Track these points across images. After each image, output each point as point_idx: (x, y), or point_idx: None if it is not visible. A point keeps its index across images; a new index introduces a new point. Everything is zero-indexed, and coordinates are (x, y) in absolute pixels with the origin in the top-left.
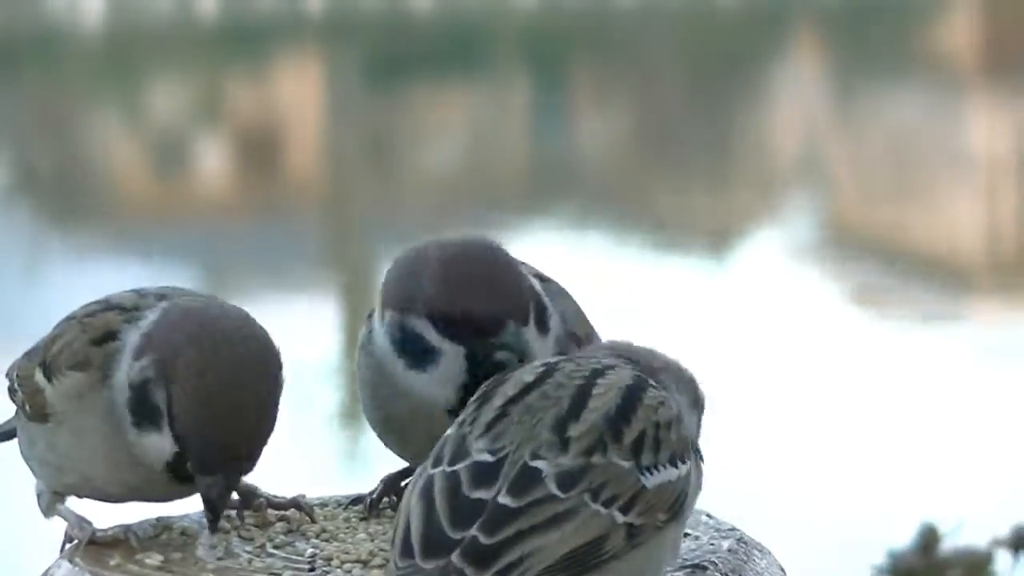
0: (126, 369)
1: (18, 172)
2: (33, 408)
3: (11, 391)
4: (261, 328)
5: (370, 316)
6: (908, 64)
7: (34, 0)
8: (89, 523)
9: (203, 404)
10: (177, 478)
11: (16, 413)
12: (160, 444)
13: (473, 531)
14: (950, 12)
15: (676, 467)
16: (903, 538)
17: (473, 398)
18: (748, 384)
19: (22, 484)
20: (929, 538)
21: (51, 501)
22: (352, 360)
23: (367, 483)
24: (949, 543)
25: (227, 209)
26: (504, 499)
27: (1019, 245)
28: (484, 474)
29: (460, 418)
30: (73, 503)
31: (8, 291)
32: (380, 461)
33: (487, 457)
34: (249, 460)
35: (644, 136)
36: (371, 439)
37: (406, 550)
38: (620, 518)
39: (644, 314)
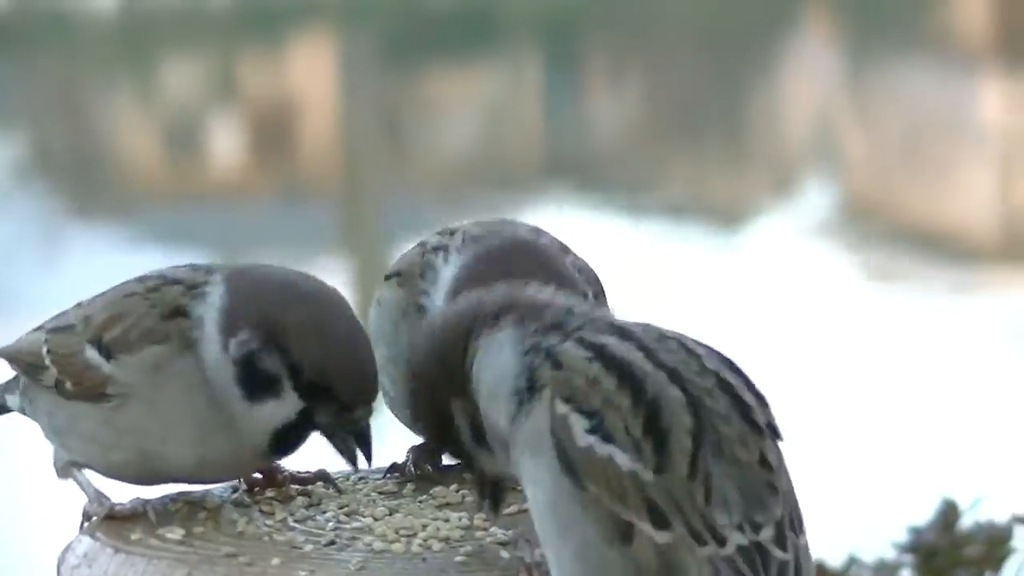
0: (217, 347)
1: (33, 154)
2: (82, 386)
3: (32, 368)
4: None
5: (392, 277)
6: (921, 41)
7: None
8: (107, 498)
9: (330, 349)
10: (278, 447)
11: (22, 389)
12: (278, 409)
13: None
14: None
15: None
16: (923, 515)
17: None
18: (763, 361)
19: (40, 464)
20: (949, 515)
21: (68, 464)
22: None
23: (379, 459)
24: (969, 519)
25: (241, 190)
26: None
27: None
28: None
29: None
30: (91, 476)
31: (23, 271)
32: (392, 443)
33: (743, 541)
34: (376, 388)
35: (657, 114)
36: (383, 421)
37: None
38: None
39: (658, 292)
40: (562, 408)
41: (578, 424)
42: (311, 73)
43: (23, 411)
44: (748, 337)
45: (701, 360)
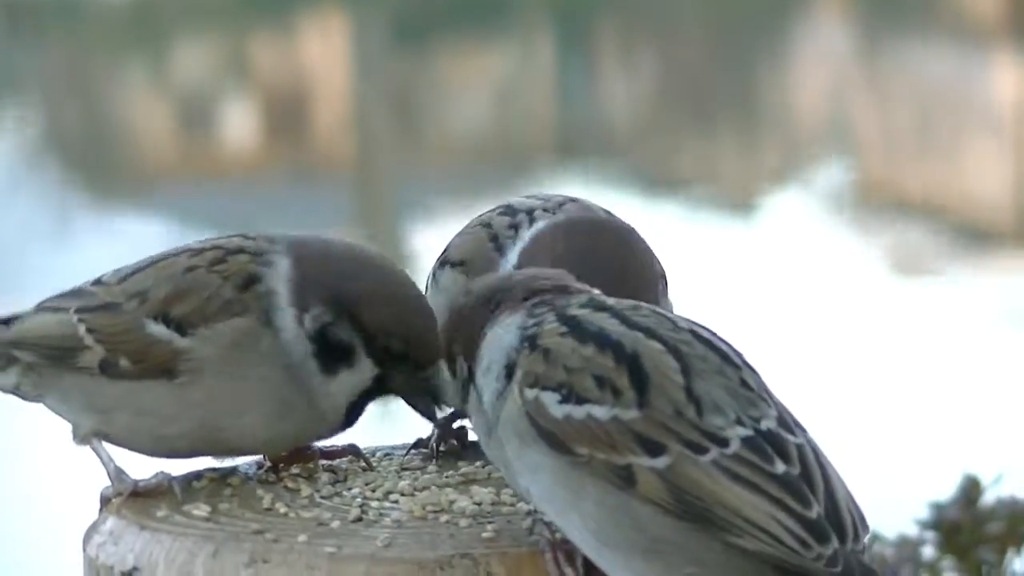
0: (293, 322)
1: (48, 135)
2: (145, 363)
3: (61, 350)
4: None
5: (456, 266)
6: (934, 21)
7: None
8: (127, 475)
9: (399, 313)
10: (352, 416)
11: (26, 371)
12: (354, 378)
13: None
14: None
15: None
16: (946, 491)
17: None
18: (779, 342)
19: (63, 441)
20: (971, 491)
21: (89, 432)
22: None
23: (398, 436)
24: (991, 495)
25: (255, 171)
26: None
27: None
28: (771, 448)
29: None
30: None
31: (36, 251)
32: (410, 422)
33: (747, 432)
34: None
35: (670, 95)
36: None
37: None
38: None
39: (671, 272)
40: (530, 393)
41: (549, 401)
42: (324, 53)
43: (18, 391)
44: (762, 316)
45: (675, 322)
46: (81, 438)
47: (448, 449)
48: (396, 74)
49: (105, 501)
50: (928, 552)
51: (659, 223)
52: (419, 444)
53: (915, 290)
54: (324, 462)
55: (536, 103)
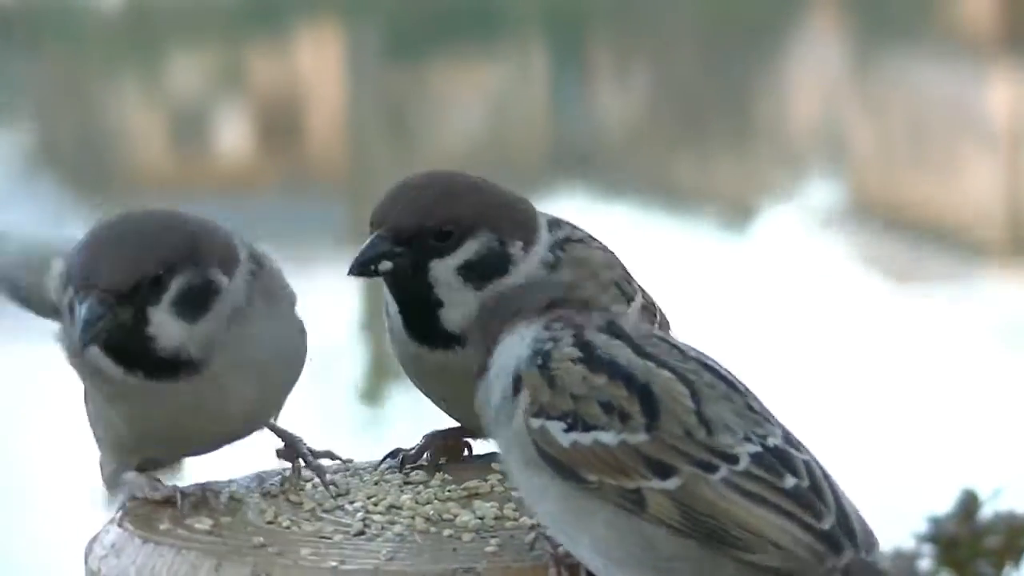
0: None
1: (40, 146)
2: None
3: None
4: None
5: None
6: (928, 33)
7: None
8: (165, 484)
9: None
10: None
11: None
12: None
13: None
14: None
15: None
16: (943, 505)
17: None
18: (772, 355)
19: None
20: (970, 505)
21: (115, 472)
22: (373, 332)
23: (383, 446)
24: (989, 509)
25: (248, 183)
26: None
27: None
28: (779, 463)
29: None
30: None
31: None
32: (399, 432)
33: (755, 448)
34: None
35: (664, 107)
36: (390, 411)
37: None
38: None
39: (664, 286)
40: (535, 422)
41: (555, 429)
42: (317, 65)
43: None
44: (756, 330)
45: (683, 351)
46: (108, 478)
47: (427, 461)
48: (390, 86)
49: (131, 497)
50: (925, 565)
51: (654, 236)
52: (394, 455)
53: (911, 304)
54: (328, 476)
55: (530, 116)
